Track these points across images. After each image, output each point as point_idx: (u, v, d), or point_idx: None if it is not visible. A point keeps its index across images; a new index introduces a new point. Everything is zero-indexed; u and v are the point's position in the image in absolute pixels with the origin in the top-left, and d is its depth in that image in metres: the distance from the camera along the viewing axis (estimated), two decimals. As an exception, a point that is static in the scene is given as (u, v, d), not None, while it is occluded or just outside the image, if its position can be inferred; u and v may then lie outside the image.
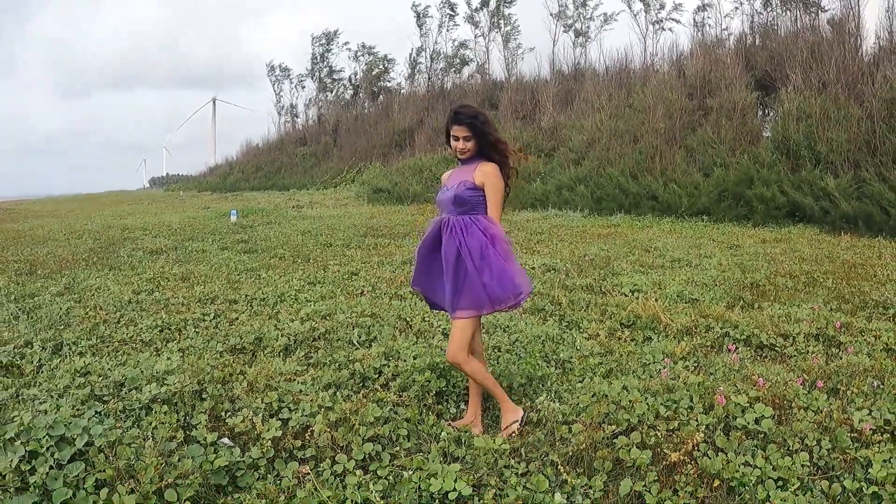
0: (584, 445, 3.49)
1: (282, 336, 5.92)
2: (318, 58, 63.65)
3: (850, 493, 3.07)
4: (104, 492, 2.98)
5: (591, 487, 3.19)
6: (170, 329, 6.50)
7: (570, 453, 3.48)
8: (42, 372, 5.25)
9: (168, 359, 5.04)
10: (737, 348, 5.22)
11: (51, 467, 3.12)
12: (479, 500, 3.12)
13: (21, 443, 3.28)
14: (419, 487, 3.22)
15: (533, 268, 9.11)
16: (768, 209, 15.53)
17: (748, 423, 3.57)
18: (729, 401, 3.73)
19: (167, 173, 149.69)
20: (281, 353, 5.57)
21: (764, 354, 5.36)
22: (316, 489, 3.20)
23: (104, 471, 3.10)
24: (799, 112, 17.20)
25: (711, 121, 19.72)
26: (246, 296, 7.94)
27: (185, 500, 3.04)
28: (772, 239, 12.51)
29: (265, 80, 73.10)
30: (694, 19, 35.86)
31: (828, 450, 3.41)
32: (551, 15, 40.96)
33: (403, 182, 28.76)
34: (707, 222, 16.03)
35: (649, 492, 3.11)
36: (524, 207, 20.60)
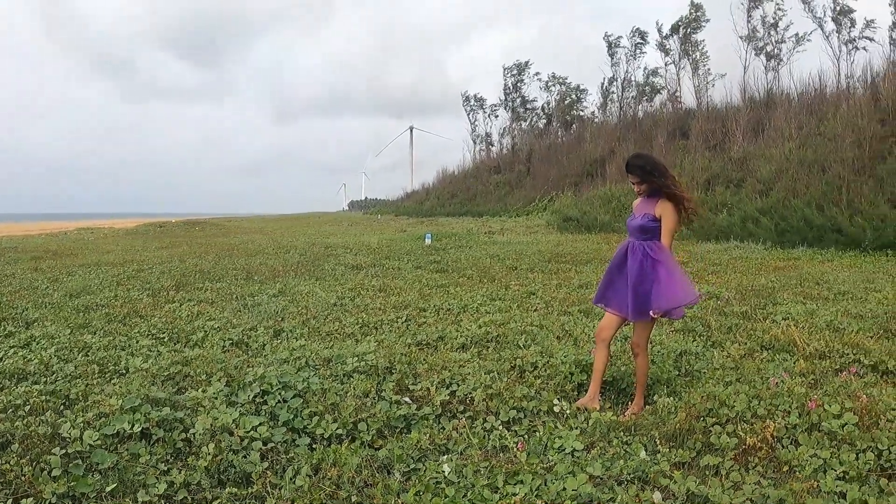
0: (680, 426, 4.28)
1: (460, 336, 7.05)
2: (511, 88, 65.52)
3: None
4: (315, 419, 4.25)
5: (678, 458, 3.94)
6: (368, 326, 7.87)
7: (669, 432, 4.28)
8: (265, 349, 6.71)
9: (366, 345, 6.26)
10: (857, 370, 5.54)
11: (277, 401, 4.40)
12: (587, 454, 4.04)
13: (257, 384, 4.58)
14: (546, 442, 4.21)
15: (696, 295, 9.55)
16: (962, 244, 14.61)
17: (833, 428, 4.07)
18: (820, 408, 4.25)
19: (366, 197, 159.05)
20: (458, 349, 6.67)
21: (887, 380, 5.62)
22: (469, 436, 4.21)
23: (317, 406, 4.31)
24: None
25: (903, 149, 18.63)
26: (434, 306, 9.16)
27: (372, 430, 4.17)
28: (958, 277, 11.93)
29: (460, 108, 75.98)
30: (891, 36, 32.32)
31: (897, 455, 3.82)
32: (741, 38, 40.24)
33: (592, 211, 29.39)
34: (891, 256, 15.45)
35: (723, 466, 3.81)
36: (707, 239, 20.47)
